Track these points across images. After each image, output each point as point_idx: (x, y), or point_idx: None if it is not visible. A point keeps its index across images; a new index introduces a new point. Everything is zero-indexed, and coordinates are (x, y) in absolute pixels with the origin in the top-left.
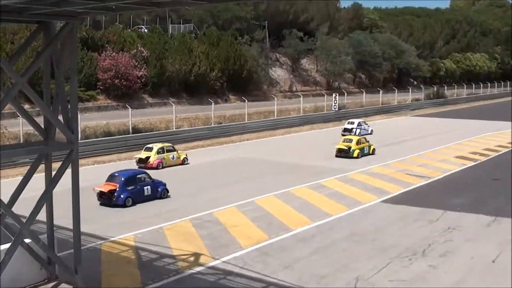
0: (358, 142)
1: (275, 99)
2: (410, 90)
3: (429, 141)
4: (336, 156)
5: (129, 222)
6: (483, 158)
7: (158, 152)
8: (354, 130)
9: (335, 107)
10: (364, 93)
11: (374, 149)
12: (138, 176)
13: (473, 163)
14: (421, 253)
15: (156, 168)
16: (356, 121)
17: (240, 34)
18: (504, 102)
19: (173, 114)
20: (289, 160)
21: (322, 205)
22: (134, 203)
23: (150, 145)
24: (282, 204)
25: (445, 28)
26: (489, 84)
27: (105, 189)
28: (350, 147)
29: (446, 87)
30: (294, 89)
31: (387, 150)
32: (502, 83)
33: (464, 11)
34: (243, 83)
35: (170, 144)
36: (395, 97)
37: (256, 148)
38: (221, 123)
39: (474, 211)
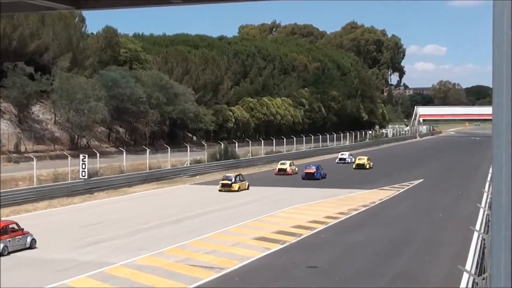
0: (368, 160)
1: None
2: (189, 148)
3: (218, 218)
4: (354, 168)
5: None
6: (292, 239)
7: (290, 165)
8: (347, 159)
9: (83, 174)
10: (124, 153)
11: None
12: (319, 166)
13: (280, 246)
14: None
15: (290, 174)
16: (347, 153)
17: None
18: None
19: None
20: (22, 252)
21: None
22: (321, 178)
23: (283, 161)
24: None
25: (234, 64)
26: (294, 139)
27: (311, 171)
28: (364, 163)
29: (237, 144)
30: (22, 148)
31: (162, 232)
32: (312, 137)
33: (258, 42)
34: None
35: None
36: (168, 159)
37: None
38: None
39: None
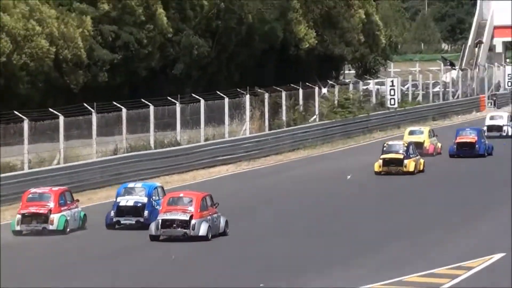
0: None
1: None
2: None
3: None
4: None
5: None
6: None
7: (429, 135)
8: (506, 127)
9: None
10: None
11: None
12: (481, 131)
13: None
14: None
15: (432, 154)
16: (505, 114)
17: None
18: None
19: None
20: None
21: None
22: (487, 155)
23: (414, 128)
24: None
25: None
26: (61, 121)
27: (471, 140)
28: None
29: None
30: None
31: None
32: (124, 112)
33: None
34: None
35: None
36: None
37: None
38: None
39: None
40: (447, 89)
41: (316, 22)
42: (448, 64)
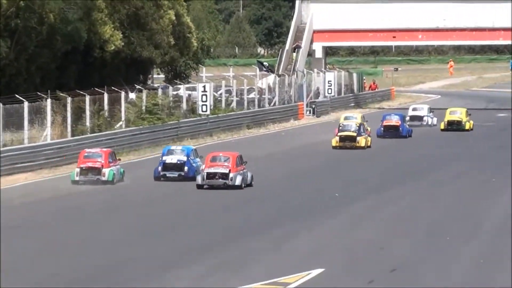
0: (467, 113)
1: None
2: None
3: None
4: (443, 130)
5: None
6: None
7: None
8: (426, 118)
9: None
10: None
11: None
12: (403, 116)
13: None
14: None
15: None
16: (424, 107)
17: None
18: None
19: None
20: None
21: None
22: (408, 136)
23: (349, 115)
24: None
25: None
26: None
27: (395, 123)
28: (461, 119)
29: None
30: None
31: None
32: None
33: None
34: None
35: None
36: None
37: None
38: None
39: None
40: (263, 96)
41: (123, 23)
42: (265, 69)
